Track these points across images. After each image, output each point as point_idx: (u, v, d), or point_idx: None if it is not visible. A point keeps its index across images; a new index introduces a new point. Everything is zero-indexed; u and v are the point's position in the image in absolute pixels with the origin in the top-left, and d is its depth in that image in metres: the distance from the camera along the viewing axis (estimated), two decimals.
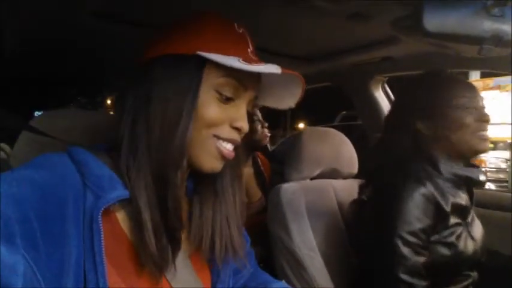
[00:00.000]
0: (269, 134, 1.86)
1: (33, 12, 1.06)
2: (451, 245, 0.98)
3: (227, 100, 0.58)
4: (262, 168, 1.90)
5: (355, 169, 1.47)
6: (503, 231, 1.27)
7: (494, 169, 5.31)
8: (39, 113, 0.86)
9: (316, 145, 1.37)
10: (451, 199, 1.00)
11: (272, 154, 2.11)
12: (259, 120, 1.79)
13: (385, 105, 1.63)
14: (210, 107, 0.57)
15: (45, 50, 1.40)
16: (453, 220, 1.00)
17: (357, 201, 1.17)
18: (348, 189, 1.26)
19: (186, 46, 0.56)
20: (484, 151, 1.03)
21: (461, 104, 1.01)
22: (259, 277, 0.83)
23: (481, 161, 5.24)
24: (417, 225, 0.94)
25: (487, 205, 1.33)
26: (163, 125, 0.55)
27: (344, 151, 1.44)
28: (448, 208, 0.98)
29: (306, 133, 1.39)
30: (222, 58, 0.54)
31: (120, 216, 0.56)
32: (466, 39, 0.58)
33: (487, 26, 0.55)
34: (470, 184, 1.06)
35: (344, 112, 6.03)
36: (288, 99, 0.67)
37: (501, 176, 5.19)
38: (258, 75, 0.61)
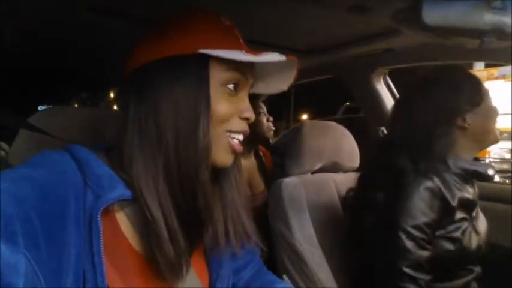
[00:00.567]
0: (273, 128, 1.85)
1: (33, 11, 1.05)
2: (456, 240, 0.98)
3: (234, 93, 0.59)
4: (264, 161, 1.90)
5: (356, 163, 1.46)
6: (505, 224, 1.26)
7: (498, 160, 5.28)
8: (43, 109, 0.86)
9: (316, 139, 1.36)
10: (458, 194, 0.99)
11: (274, 147, 2.11)
12: (264, 113, 1.78)
13: (387, 98, 1.61)
14: (221, 103, 0.57)
15: (45, 48, 1.40)
16: (459, 215, 0.99)
17: (358, 194, 1.16)
18: (349, 183, 1.26)
19: (186, 46, 0.56)
20: (495, 143, 1.07)
21: (470, 101, 1.01)
22: (264, 277, 0.82)
23: (485, 152, 5.21)
24: (422, 219, 0.94)
25: (488, 197, 1.32)
26: (181, 130, 0.54)
27: (345, 144, 1.44)
28: (454, 203, 0.98)
29: (307, 127, 1.38)
30: (226, 53, 0.54)
31: (120, 216, 0.55)
32: (466, 33, 0.57)
33: (488, 18, 0.54)
34: (479, 178, 1.06)
35: (347, 104, 6.00)
36: (280, 84, 0.68)
37: (505, 166, 5.16)
38: (253, 64, 0.62)
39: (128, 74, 0.59)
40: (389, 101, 1.61)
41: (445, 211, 0.97)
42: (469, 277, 1.04)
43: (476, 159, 1.08)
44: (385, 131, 1.54)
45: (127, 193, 0.54)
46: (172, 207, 0.55)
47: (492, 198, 1.33)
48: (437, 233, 0.97)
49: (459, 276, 1.03)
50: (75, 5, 0.99)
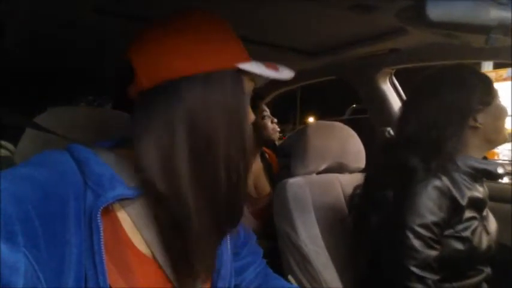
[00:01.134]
0: (279, 130, 1.85)
1: (35, 12, 1.06)
2: (465, 240, 0.97)
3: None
4: (271, 162, 1.90)
5: (362, 163, 1.45)
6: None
7: (508, 161, 5.21)
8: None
9: (322, 139, 1.36)
10: (468, 193, 0.98)
11: (280, 149, 2.11)
12: (268, 116, 1.78)
13: (393, 99, 1.60)
14: (251, 112, 0.62)
15: (53, 49, 1.41)
16: (469, 214, 0.98)
17: (365, 193, 1.15)
18: (355, 183, 1.25)
19: (224, 60, 0.56)
20: (504, 143, 1.07)
21: (481, 102, 1.01)
22: (272, 282, 0.82)
23: (494, 154, 5.15)
24: (430, 218, 0.93)
25: (495, 198, 1.30)
26: (232, 140, 0.56)
27: (351, 145, 1.43)
28: (463, 202, 0.97)
29: (312, 127, 1.38)
30: (258, 69, 0.57)
31: (121, 215, 0.55)
32: (472, 29, 0.56)
33: (494, 14, 0.53)
34: (488, 177, 1.05)
35: (354, 105, 5.97)
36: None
37: None
38: None
39: (158, 82, 0.55)
40: (395, 102, 1.60)
41: (454, 210, 0.96)
42: (479, 278, 1.03)
43: (485, 158, 1.07)
44: (391, 132, 1.52)
45: (128, 192, 0.54)
46: (211, 209, 0.57)
47: (500, 198, 1.32)
48: (446, 232, 0.96)
49: (469, 277, 1.02)
50: (84, 6, 1.00)
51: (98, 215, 0.49)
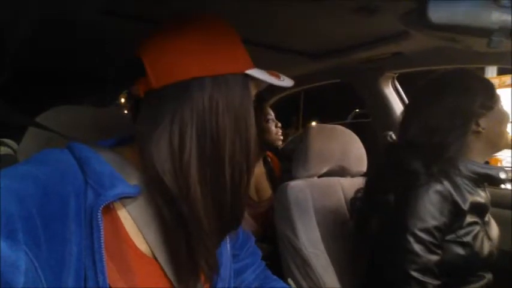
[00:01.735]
0: (281, 135, 1.84)
1: (41, 12, 1.07)
2: (466, 245, 0.96)
3: None
4: (273, 166, 1.90)
5: (364, 167, 1.45)
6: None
7: (510, 168, 5.19)
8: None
9: (323, 142, 1.35)
10: (470, 198, 0.98)
11: (282, 152, 2.11)
12: (272, 120, 1.77)
13: (395, 103, 1.60)
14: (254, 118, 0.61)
15: (54, 48, 1.42)
16: (470, 219, 0.98)
17: (366, 196, 1.15)
18: (356, 187, 1.25)
19: (234, 65, 0.58)
20: (507, 147, 1.07)
21: (483, 106, 1.01)
22: (271, 283, 0.82)
23: (497, 160, 5.12)
24: (431, 223, 0.93)
25: (497, 204, 1.29)
26: (237, 144, 0.57)
27: (353, 149, 1.43)
28: (465, 207, 0.96)
29: (313, 130, 1.38)
30: (267, 78, 0.60)
31: (122, 214, 0.55)
32: (473, 31, 0.56)
33: (496, 17, 0.53)
34: (491, 182, 1.05)
35: (357, 110, 5.97)
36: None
37: None
38: None
39: (168, 82, 0.55)
40: (397, 106, 1.60)
41: (455, 215, 0.95)
42: (480, 284, 1.02)
43: (488, 163, 1.07)
44: (393, 136, 1.52)
45: (129, 190, 0.53)
46: (217, 209, 0.58)
47: (502, 204, 1.31)
48: (448, 237, 0.96)
49: (470, 283, 1.01)
50: (89, 7, 1.00)
51: (99, 214, 0.49)
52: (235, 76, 0.57)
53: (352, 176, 1.46)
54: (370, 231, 1.06)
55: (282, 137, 1.84)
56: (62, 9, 1.05)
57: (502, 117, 1.04)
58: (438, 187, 0.95)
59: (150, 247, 0.56)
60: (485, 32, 0.55)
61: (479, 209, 1.00)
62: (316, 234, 1.24)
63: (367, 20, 0.97)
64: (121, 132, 0.66)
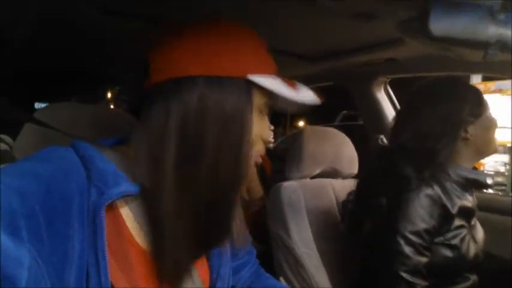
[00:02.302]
0: (272, 139, 1.86)
1: (39, 11, 1.06)
2: (454, 248, 0.99)
3: (263, 117, 0.61)
4: (264, 166, 1.90)
5: (355, 169, 1.47)
6: (500, 234, 1.28)
7: (493, 172, 5.31)
8: (41, 106, 0.87)
9: (317, 144, 1.37)
10: (458, 202, 1.01)
11: (273, 152, 2.12)
12: None
13: (386, 107, 1.63)
14: (255, 127, 0.57)
15: (49, 44, 1.40)
16: (458, 222, 1.01)
17: (358, 199, 1.17)
18: (347, 189, 1.27)
19: (238, 70, 0.55)
20: (493, 153, 1.10)
21: (472, 114, 1.04)
22: (265, 281, 0.83)
23: (480, 164, 5.23)
24: (421, 226, 0.95)
25: (484, 208, 1.33)
26: (224, 148, 0.54)
27: (345, 151, 1.45)
28: (454, 211, 0.99)
29: (308, 132, 1.40)
30: (272, 84, 0.55)
31: (125, 212, 0.55)
32: (471, 44, 0.58)
33: (492, 31, 0.56)
34: (478, 187, 1.08)
35: (345, 112, 6.01)
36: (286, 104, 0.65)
37: (499, 179, 5.19)
38: None
39: (163, 78, 0.55)
40: (389, 110, 1.63)
41: (444, 218, 0.98)
42: (466, 284, 1.05)
43: (474, 168, 1.10)
44: (384, 140, 1.55)
45: (131, 189, 0.53)
46: (191, 215, 0.55)
47: (487, 208, 1.35)
48: (436, 239, 0.98)
49: (456, 283, 1.04)
50: (79, 5, 1.00)
51: (102, 212, 0.49)
52: (234, 79, 0.54)
53: (344, 178, 1.48)
54: (362, 233, 1.08)
55: (273, 139, 1.85)
56: (52, 8, 1.04)
57: (490, 125, 1.07)
58: (429, 191, 0.98)
59: (150, 245, 0.56)
60: (481, 45, 0.58)
61: (466, 213, 1.03)
62: (308, 234, 1.27)
63: (365, 25, 0.99)
64: (120, 130, 0.66)
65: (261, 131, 0.60)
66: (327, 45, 1.24)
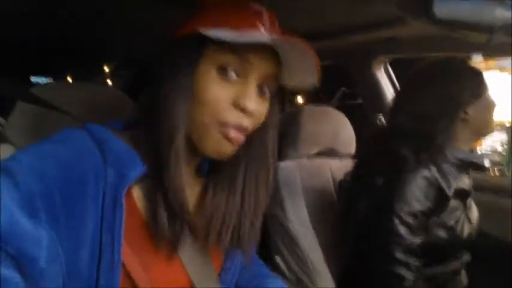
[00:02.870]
0: None
1: None
2: (449, 228, 1.01)
3: (229, 77, 0.54)
4: None
5: (352, 149, 1.47)
6: (494, 214, 1.29)
7: (490, 152, 5.33)
8: (37, 80, 0.85)
9: (314, 124, 1.36)
10: (454, 184, 1.01)
11: None
12: None
13: (386, 87, 1.61)
14: (210, 87, 0.54)
15: (40, 17, 1.36)
16: (454, 204, 1.02)
17: (354, 179, 1.17)
18: (344, 169, 1.27)
19: (190, 26, 0.56)
20: (489, 134, 1.10)
21: (469, 93, 1.03)
22: (256, 269, 0.81)
23: (478, 143, 5.25)
24: (417, 207, 0.96)
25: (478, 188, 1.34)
26: (162, 104, 0.54)
27: (342, 131, 1.44)
28: (450, 192, 1.00)
29: (305, 111, 1.38)
30: (215, 32, 0.51)
31: (136, 193, 0.56)
32: (476, 27, 0.57)
33: (499, 13, 0.54)
34: (474, 169, 1.09)
35: (343, 89, 5.95)
36: (305, 76, 0.60)
37: (496, 158, 5.22)
38: (269, 51, 0.55)
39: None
40: (389, 90, 1.61)
41: (440, 200, 0.99)
42: (459, 262, 1.08)
43: (472, 150, 1.10)
44: (383, 119, 1.54)
45: (144, 170, 0.55)
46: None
47: (482, 188, 1.35)
48: (431, 220, 0.99)
49: (449, 262, 1.06)
50: None
51: (123, 193, 0.51)
52: (188, 37, 0.55)
53: (341, 157, 1.48)
54: (357, 214, 1.09)
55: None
56: None
57: (489, 106, 1.07)
58: (425, 173, 0.98)
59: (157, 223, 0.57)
60: (487, 28, 0.56)
61: (462, 195, 1.04)
62: (304, 213, 1.27)
63: (363, 3, 0.96)
64: (119, 112, 0.65)
65: (232, 96, 0.54)
66: (326, 23, 1.21)
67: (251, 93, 0.55)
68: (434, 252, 1.02)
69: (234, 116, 0.54)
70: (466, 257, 1.10)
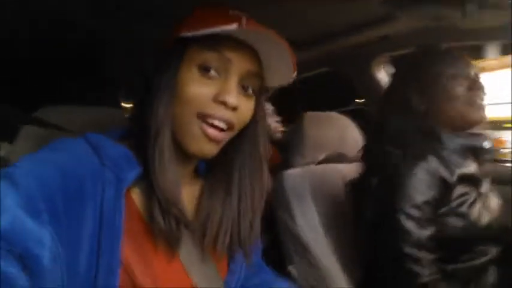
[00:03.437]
0: (281, 128, 1.84)
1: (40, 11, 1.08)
2: (462, 216, 0.97)
3: (210, 75, 0.58)
4: (271, 157, 1.89)
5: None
6: None
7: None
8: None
9: (318, 129, 1.36)
10: (457, 170, 0.98)
11: (281, 144, 2.11)
12: (270, 114, 1.77)
13: None
14: (191, 84, 0.57)
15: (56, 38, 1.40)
16: (461, 189, 0.98)
17: (357, 182, 1.16)
18: (354, 173, 1.25)
19: (173, 33, 0.59)
20: (480, 121, 1.04)
21: (450, 74, 1.02)
22: (264, 276, 0.81)
23: (501, 142, 5.07)
24: (419, 199, 0.94)
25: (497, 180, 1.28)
26: (148, 105, 0.58)
27: (349, 135, 1.43)
28: (453, 179, 0.97)
29: (307, 118, 1.38)
30: (193, 31, 0.56)
31: (135, 194, 0.58)
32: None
33: None
34: (477, 152, 1.05)
35: (357, 100, 5.92)
36: (283, 74, 0.65)
37: None
38: (249, 49, 0.60)
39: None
40: None
41: (444, 188, 0.96)
42: (483, 259, 1.00)
43: (475, 134, 1.07)
44: None
45: (140, 170, 0.57)
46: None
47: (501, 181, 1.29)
48: (442, 210, 0.96)
49: (470, 258, 1.00)
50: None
51: (122, 194, 0.53)
52: (173, 42, 0.60)
53: (350, 162, 1.46)
54: (363, 216, 1.06)
55: (281, 130, 1.84)
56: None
57: (448, 95, 1.03)
58: (423, 164, 0.96)
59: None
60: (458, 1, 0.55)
61: (470, 180, 1.01)
62: (314, 220, 1.25)
63: (351, 4, 0.97)
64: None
65: (210, 91, 0.58)
66: (316, 28, 1.22)
67: (231, 88, 0.58)
68: (451, 244, 0.98)
69: (215, 110, 0.58)
70: (492, 253, 1.02)
